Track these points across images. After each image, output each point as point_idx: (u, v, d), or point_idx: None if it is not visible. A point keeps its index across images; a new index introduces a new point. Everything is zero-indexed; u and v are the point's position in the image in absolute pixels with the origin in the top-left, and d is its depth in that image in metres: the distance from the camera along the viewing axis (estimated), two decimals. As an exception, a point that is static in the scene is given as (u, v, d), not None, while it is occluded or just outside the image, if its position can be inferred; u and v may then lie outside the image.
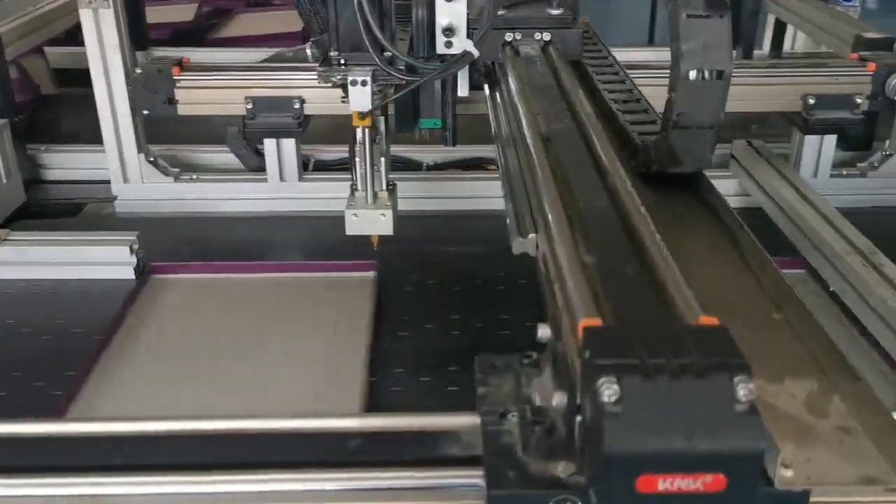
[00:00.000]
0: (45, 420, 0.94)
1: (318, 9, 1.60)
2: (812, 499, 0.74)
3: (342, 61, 1.51)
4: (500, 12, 1.61)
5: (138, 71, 2.03)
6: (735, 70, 2.18)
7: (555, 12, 1.64)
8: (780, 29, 3.07)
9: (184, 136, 2.34)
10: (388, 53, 1.47)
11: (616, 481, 0.66)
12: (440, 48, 1.51)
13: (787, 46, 3.19)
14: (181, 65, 2.04)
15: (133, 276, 1.83)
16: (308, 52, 2.23)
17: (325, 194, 2.15)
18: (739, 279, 1.04)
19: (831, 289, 1.69)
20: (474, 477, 0.82)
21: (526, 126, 1.22)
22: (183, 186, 2.17)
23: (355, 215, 1.64)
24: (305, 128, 2.07)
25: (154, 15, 3.08)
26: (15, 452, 0.86)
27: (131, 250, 1.84)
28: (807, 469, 0.74)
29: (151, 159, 2.15)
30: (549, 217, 0.97)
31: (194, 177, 2.19)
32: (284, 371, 1.53)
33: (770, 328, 0.96)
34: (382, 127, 1.60)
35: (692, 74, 1.10)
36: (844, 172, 2.22)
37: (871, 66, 2.07)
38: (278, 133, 2.06)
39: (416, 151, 2.31)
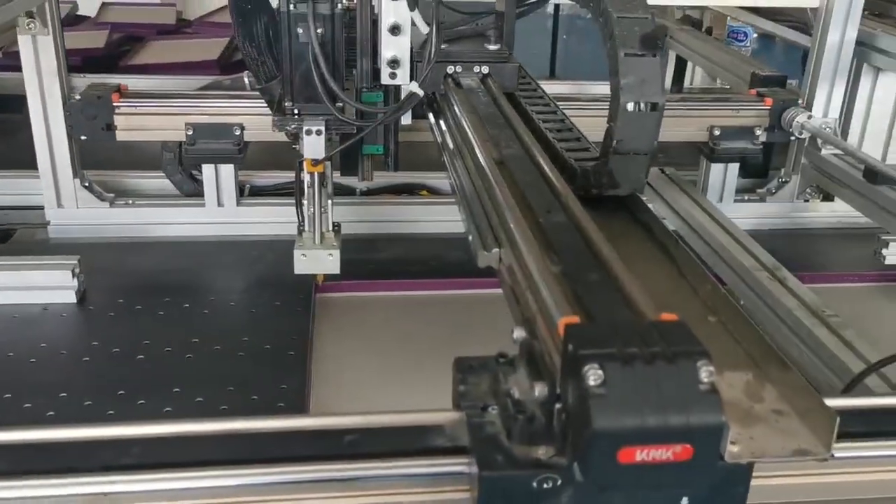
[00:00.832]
0: (48, 426, 0.97)
1: (265, 58, 1.63)
2: (756, 471, 0.86)
3: (296, 111, 1.59)
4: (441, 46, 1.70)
5: (77, 97, 2.05)
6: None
7: (492, 47, 1.74)
8: (681, 65, 3.30)
9: (118, 161, 2.36)
10: (339, 104, 1.57)
11: (600, 454, 0.76)
12: (385, 79, 1.60)
13: (686, 82, 3.44)
14: (120, 91, 2.07)
15: (74, 301, 1.84)
16: (245, 80, 2.29)
17: (262, 219, 2.21)
18: (677, 287, 1.16)
19: (741, 302, 1.85)
20: (461, 465, 0.90)
21: (479, 151, 1.33)
22: (119, 211, 2.19)
23: (304, 255, 1.72)
24: (245, 154, 2.12)
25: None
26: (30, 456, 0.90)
27: (73, 274, 1.85)
28: (750, 445, 0.85)
29: (87, 184, 2.16)
30: (515, 232, 1.07)
31: (130, 202, 2.21)
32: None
33: (707, 329, 1.08)
34: (328, 171, 1.69)
35: (630, 106, 1.21)
36: (746, 198, 2.43)
37: (769, 101, 2.27)
38: (219, 159, 2.11)
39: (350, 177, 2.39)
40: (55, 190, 2.14)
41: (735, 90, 2.58)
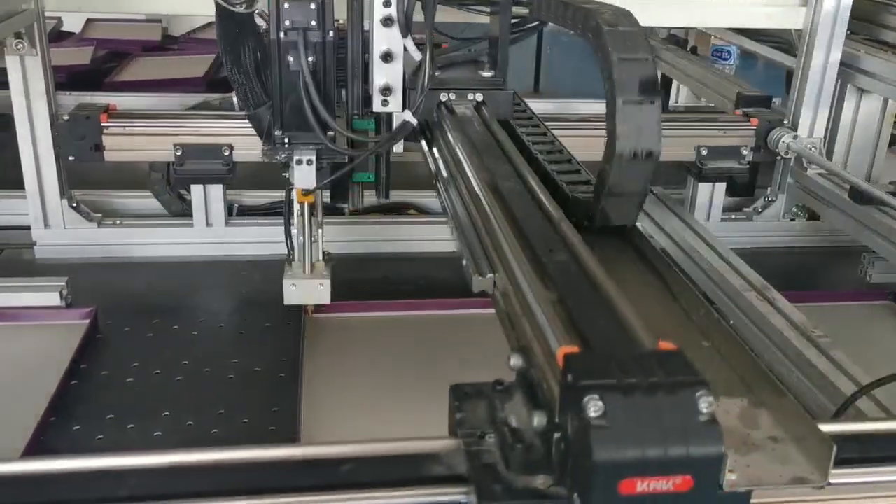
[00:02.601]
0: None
1: (253, 84, 1.60)
2: (753, 499, 0.86)
3: (286, 140, 1.57)
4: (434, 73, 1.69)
5: (65, 117, 2.04)
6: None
7: (486, 75, 1.72)
8: (666, 84, 3.33)
9: (105, 181, 2.35)
10: (331, 133, 1.54)
11: (601, 486, 0.76)
12: (377, 106, 1.57)
13: (671, 99, 3.47)
14: (108, 111, 2.06)
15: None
16: (234, 100, 2.29)
17: (250, 239, 2.21)
18: (670, 311, 1.17)
19: (731, 322, 1.86)
20: (459, 494, 0.90)
21: (473, 178, 1.33)
22: (106, 232, 2.17)
23: (294, 286, 1.70)
24: (234, 174, 2.12)
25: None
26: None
27: (61, 296, 1.84)
28: (748, 473, 0.86)
29: (74, 204, 2.15)
30: (510, 258, 1.07)
31: (118, 222, 2.20)
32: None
33: (701, 354, 1.09)
34: (318, 199, 1.68)
35: (626, 153, 1.19)
36: (733, 216, 2.44)
37: (754, 120, 2.30)
38: (208, 179, 2.11)
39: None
40: (42, 210, 2.13)
41: (720, 109, 2.61)
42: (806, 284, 2.22)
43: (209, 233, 2.19)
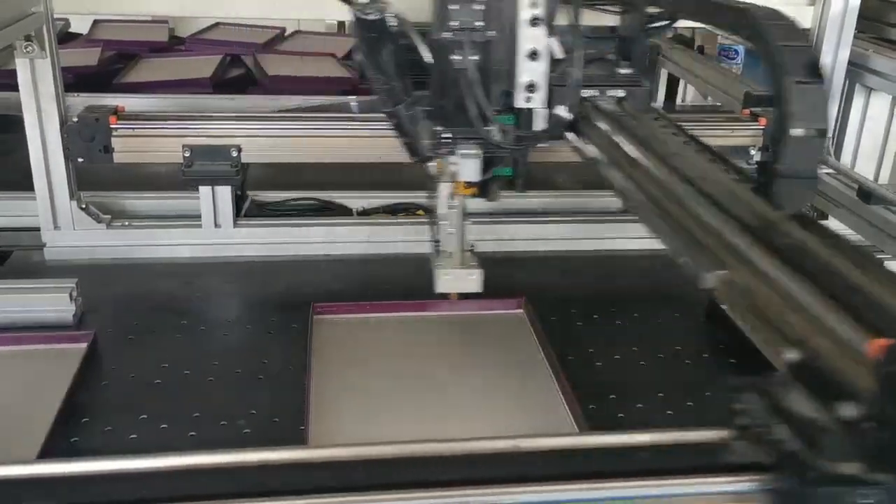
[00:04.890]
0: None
1: (393, 83, 1.62)
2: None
3: (447, 136, 1.64)
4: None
5: (74, 119, 2.05)
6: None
7: (623, 71, 1.75)
8: (672, 83, 3.33)
9: (113, 182, 2.36)
10: (489, 127, 1.60)
11: None
12: (520, 102, 1.62)
13: (678, 99, 3.47)
14: (117, 113, 2.07)
15: (72, 324, 1.83)
16: (352, 104, 2.32)
17: (259, 240, 2.21)
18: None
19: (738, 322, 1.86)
20: (757, 481, 0.93)
21: (657, 169, 1.32)
22: (115, 233, 2.18)
23: (447, 275, 1.82)
24: (243, 175, 2.13)
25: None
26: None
27: (70, 297, 1.85)
28: None
29: (83, 206, 2.16)
30: (743, 249, 1.07)
31: (127, 223, 2.20)
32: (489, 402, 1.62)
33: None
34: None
35: (798, 132, 1.26)
36: (740, 216, 2.43)
37: (762, 120, 2.29)
38: (216, 180, 2.11)
39: (347, 197, 2.40)
40: (52, 212, 2.14)
41: (727, 108, 2.60)
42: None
43: (218, 234, 2.19)
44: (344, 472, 0.98)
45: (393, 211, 2.38)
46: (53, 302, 1.84)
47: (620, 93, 1.70)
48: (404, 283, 2.09)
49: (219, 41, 3.93)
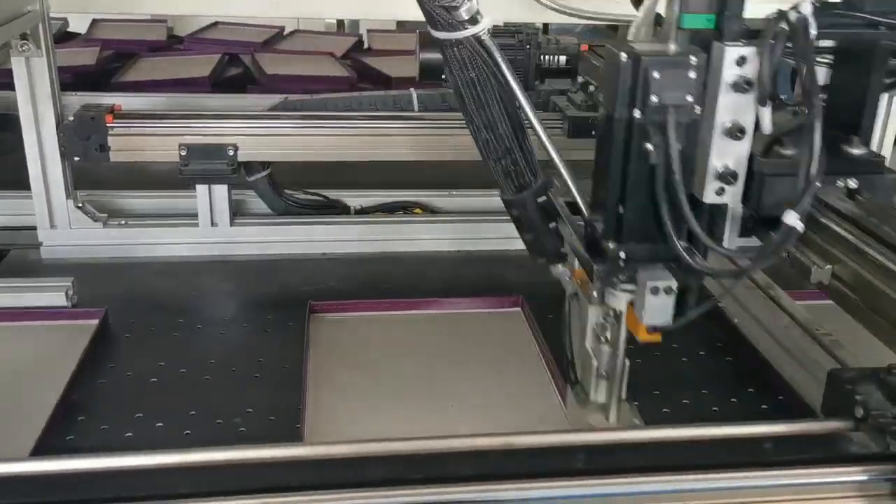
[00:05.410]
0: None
1: (516, 156, 1.26)
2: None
3: (625, 256, 1.17)
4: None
5: (70, 118, 2.05)
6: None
7: (856, 151, 1.28)
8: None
9: (110, 181, 2.36)
10: (683, 243, 1.14)
11: None
12: (708, 196, 1.15)
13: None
14: (113, 112, 2.07)
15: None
16: (413, 97, 2.25)
17: (255, 239, 2.21)
18: None
19: (735, 321, 1.86)
20: (880, 471, 0.97)
21: None
22: (112, 232, 2.18)
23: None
24: (239, 174, 2.13)
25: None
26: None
27: (67, 296, 1.85)
28: None
29: (80, 205, 2.16)
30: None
31: (123, 222, 2.20)
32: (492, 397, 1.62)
33: None
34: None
35: None
36: (737, 215, 2.43)
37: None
38: (212, 179, 2.11)
39: (345, 196, 2.40)
40: (48, 211, 2.14)
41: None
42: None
43: (214, 233, 2.19)
44: (339, 470, 0.98)
45: (391, 209, 2.38)
46: (50, 300, 1.84)
47: (852, 182, 1.28)
48: (402, 281, 2.09)
49: (217, 40, 3.93)
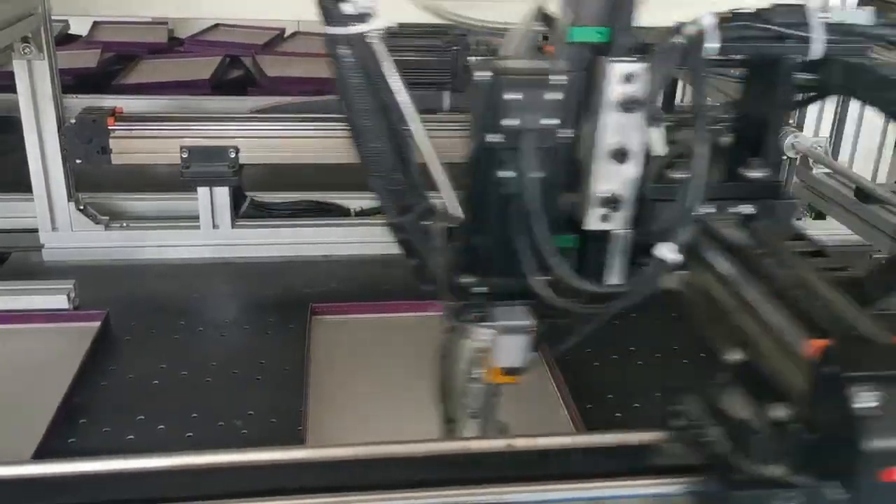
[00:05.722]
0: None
1: (398, 179, 1.12)
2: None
3: (479, 291, 1.07)
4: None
5: (72, 120, 2.05)
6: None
7: (754, 174, 1.16)
8: (671, 84, 3.32)
9: (112, 183, 2.36)
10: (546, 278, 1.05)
11: (865, 474, 0.78)
12: (593, 223, 1.09)
13: (676, 99, 3.46)
14: (115, 114, 2.07)
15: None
16: (445, 99, 2.18)
17: (257, 240, 2.21)
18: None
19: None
20: (685, 483, 0.92)
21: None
22: (113, 234, 2.18)
23: None
24: (240, 176, 2.13)
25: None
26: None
27: (68, 298, 1.86)
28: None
29: (81, 207, 2.16)
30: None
31: (125, 224, 2.21)
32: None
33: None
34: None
35: None
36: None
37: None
38: (213, 181, 2.11)
39: (345, 198, 2.40)
40: (50, 213, 2.14)
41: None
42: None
43: (215, 235, 2.20)
44: (341, 472, 0.98)
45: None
46: (51, 303, 1.85)
47: (750, 208, 1.17)
48: (403, 283, 2.08)
49: (218, 42, 3.93)
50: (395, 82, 1.11)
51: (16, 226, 2.25)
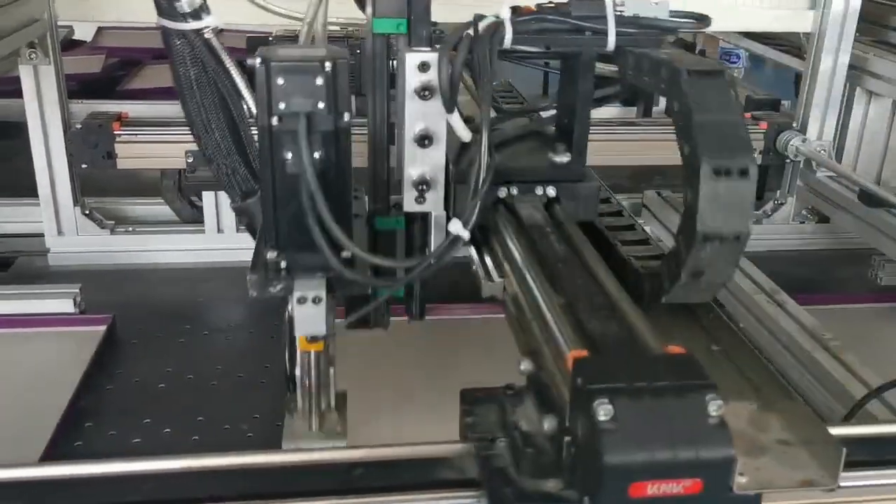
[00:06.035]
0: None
1: (236, 165, 1.21)
2: (763, 502, 0.87)
3: (283, 265, 1.14)
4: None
5: (78, 125, 2.06)
6: (640, 127, 2.38)
7: (559, 159, 1.26)
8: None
9: (117, 188, 2.37)
10: (347, 253, 1.08)
11: (611, 489, 0.77)
12: (409, 205, 1.18)
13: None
14: (120, 119, 2.08)
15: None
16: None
17: (262, 245, 2.22)
18: (679, 317, 1.17)
19: (741, 326, 1.86)
20: (469, 498, 0.91)
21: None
22: (119, 239, 2.19)
23: (293, 439, 1.28)
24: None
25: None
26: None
27: (74, 303, 1.86)
28: (758, 476, 0.86)
29: (87, 212, 2.17)
30: (520, 264, 1.08)
31: (130, 229, 2.21)
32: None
33: (710, 358, 1.09)
34: (332, 340, 1.25)
35: (710, 246, 0.97)
36: (742, 220, 2.43)
37: (763, 124, 2.30)
38: (219, 186, 2.11)
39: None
40: (55, 218, 2.15)
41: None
42: (816, 287, 2.21)
43: (220, 239, 2.20)
44: (346, 474, 0.99)
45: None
46: (57, 307, 1.85)
47: (552, 191, 1.25)
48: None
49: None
50: (238, 77, 1.22)
51: (22, 230, 2.25)
